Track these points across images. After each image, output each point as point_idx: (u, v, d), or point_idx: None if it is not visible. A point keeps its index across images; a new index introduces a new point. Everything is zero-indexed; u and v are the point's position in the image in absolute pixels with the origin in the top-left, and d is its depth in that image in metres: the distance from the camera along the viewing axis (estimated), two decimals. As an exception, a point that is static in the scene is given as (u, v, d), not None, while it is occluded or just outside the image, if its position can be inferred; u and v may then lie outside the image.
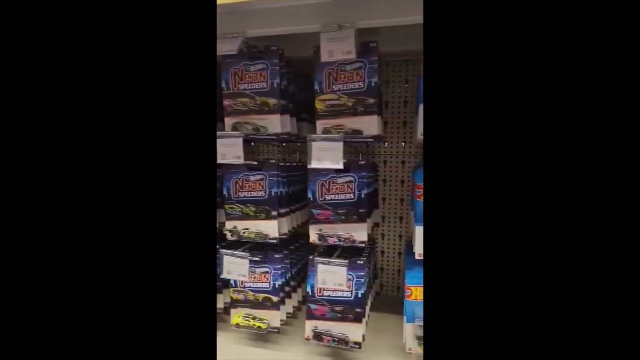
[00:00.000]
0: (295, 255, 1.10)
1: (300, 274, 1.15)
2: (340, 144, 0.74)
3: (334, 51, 0.73)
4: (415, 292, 0.86)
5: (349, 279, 0.90)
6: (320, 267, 0.84)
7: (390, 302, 1.21)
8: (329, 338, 0.90)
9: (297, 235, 1.11)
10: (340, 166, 0.76)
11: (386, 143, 1.24)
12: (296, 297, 1.11)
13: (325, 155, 0.75)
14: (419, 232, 0.84)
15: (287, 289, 1.05)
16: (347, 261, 0.86)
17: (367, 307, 1.04)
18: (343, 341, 0.89)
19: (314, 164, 0.77)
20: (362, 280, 0.90)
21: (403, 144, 1.22)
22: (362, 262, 0.90)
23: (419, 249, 0.85)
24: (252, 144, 1.35)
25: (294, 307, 1.09)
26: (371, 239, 1.26)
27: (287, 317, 1.05)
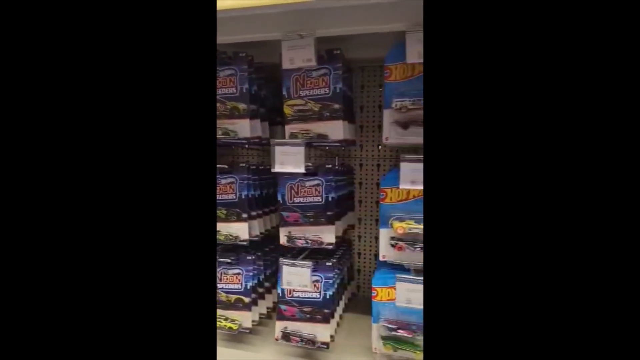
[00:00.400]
0: (269, 257, 1.12)
1: (276, 276, 1.16)
2: (302, 149, 0.77)
3: (294, 59, 0.75)
4: (380, 293, 0.88)
5: (317, 280, 0.91)
6: (285, 268, 0.86)
7: (366, 304, 1.22)
8: (297, 338, 0.91)
9: (274, 237, 1.12)
10: (302, 170, 0.78)
11: (362, 146, 1.26)
12: (271, 298, 1.13)
13: (288, 160, 0.77)
14: (383, 234, 0.86)
15: (260, 290, 1.07)
16: (311, 262, 0.87)
17: (339, 308, 1.06)
18: (310, 341, 0.90)
19: (277, 168, 0.79)
20: (331, 281, 0.92)
21: (379, 147, 1.24)
22: (330, 263, 0.92)
23: (383, 251, 0.87)
24: (233, 147, 1.37)
25: (268, 308, 1.11)
26: (347, 241, 1.28)
27: (260, 318, 1.06)
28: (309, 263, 0.87)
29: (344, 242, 1.24)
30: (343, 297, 1.13)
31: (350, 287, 1.27)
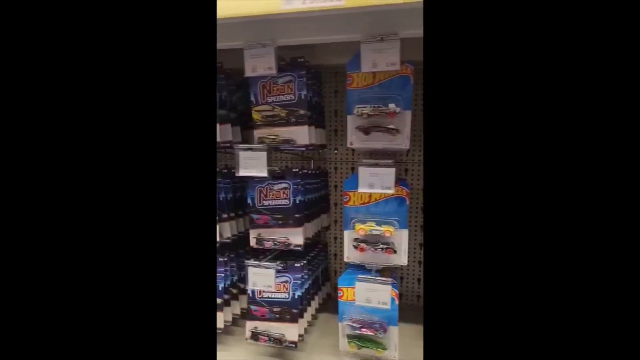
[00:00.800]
0: (243, 259, 1.14)
1: (251, 277, 1.19)
2: (264, 154, 0.79)
3: (256, 67, 0.78)
4: (346, 293, 0.90)
5: (286, 281, 0.94)
6: (250, 269, 0.89)
7: (340, 304, 1.25)
8: (265, 338, 0.94)
9: (247, 240, 1.15)
10: (265, 174, 0.80)
11: (337, 150, 1.28)
12: (245, 300, 1.15)
13: (251, 164, 0.80)
14: (346, 236, 0.89)
15: (234, 291, 1.09)
16: (276, 263, 0.90)
17: (310, 308, 1.08)
18: (278, 340, 0.93)
19: (241, 172, 0.81)
20: (300, 282, 0.95)
21: (353, 150, 1.27)
22: (299, 264, 0.95)
23: (346, 252, 0.90)
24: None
25: (242, 309, 1.13)
26: (323, 242, 1.31)
27: (234, 318, 1.09)
28: (274, 264, 0.89)
29: (319, 243, 1.26)
30: (316, 298, 1.16)
31: (326, 288, 1.29)
